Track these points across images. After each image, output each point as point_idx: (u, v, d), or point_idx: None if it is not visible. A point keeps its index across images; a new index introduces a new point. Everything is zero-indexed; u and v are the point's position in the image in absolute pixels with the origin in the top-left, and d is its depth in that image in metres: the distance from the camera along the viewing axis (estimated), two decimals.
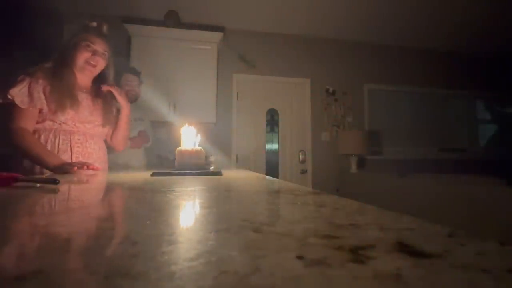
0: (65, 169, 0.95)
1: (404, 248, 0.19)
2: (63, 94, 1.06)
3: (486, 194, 1.51)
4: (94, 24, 1.17)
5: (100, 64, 1.17)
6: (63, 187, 0.58)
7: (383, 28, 2.94)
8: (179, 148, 1.14)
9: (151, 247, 0.20)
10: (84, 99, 1.15)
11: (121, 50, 2.54)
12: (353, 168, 2.88)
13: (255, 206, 0.39)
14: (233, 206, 0.40)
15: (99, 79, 1.23)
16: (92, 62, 1.13)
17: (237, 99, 2.91)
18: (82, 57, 1.12)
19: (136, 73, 1.83)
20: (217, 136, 2.75)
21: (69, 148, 1.10)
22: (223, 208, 0.37)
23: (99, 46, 1.15)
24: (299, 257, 0.18)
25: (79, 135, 1.13)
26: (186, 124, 1.19)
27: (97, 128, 1.20)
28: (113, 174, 1.02)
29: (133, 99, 1.78)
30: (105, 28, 1.20)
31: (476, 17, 2.72)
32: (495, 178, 1.85)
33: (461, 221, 1.56)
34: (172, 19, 2.54)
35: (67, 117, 1.08)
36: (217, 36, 2.58)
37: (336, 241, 0.21)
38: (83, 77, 1.17)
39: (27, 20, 2.37)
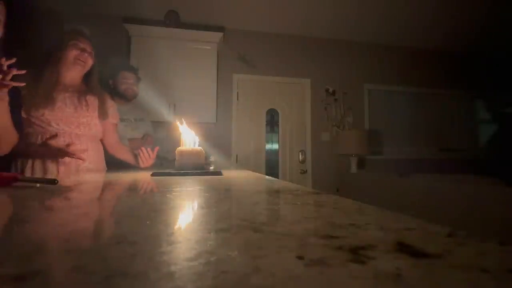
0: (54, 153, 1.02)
1: (404, 248, 0.19)
2: (37, 94, 1.08)
3: (486, 194, 1.51)
4: (78, 27, 1.24)
5: (89, 62, 1.22)
6: (62, 187, 0.58)
7: (383, 28, 2.94)
8: (179, 148, 1.14)
9: (151, 247, 0.20)
10: (68, 97, 1.16)
11: (121, 50, 2.54)
12: (353, 168, 2.88)
13: (255, 206, 0.39)
14: (233, 206, 0.40)
15: (86, 78, 1.26)
16: (81, 59, 1.18)
17: (237, 99, 2.91)
18: (72, 54, 1.16)
19: (133, 70, 1.80)
20: (217, 136, 2.74)
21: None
22: (223, 208, 0.37)
23: (86, 45, 1.21)
24: (299, 257, 0.18)
25: (64, 137, 1.13)
26: (180, 122, 1.19)
27: (84, 127, 1.19)
28: (112, 174, 1.02)
29: (131, 97, 1.75)
30: (87, 31, 1.26)
31: (475, 17, 2.72)
32: (495, 178, 1.85)
33: (461, 221, 1.56)
34: (172, 19, 2.54)
35: (47, 117, 1.09)
36: (217, 36, 2.58)
37: (336, 241, 0.21)
38: (73, 75, 1.20)
39: (27, 20, 2.37)
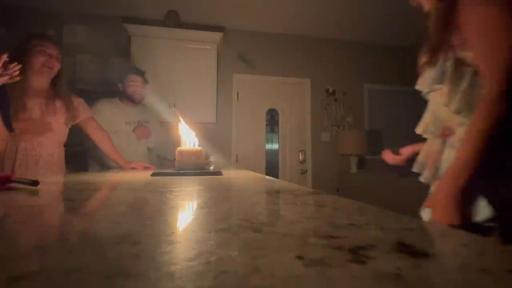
0: None
1: (404, 248, 0.19)
2: (12, 103, 1.07)
3: None
4: (43, 32, 1.26)
5: (56, 66, 1.22)
6: (62, 188, 0.58)
7: (384, 28, 2.94)
8: (179, 148, 1.14)
9: (151, 247, 0.20)
10: (37, 104, 1.16)
11: (121, 50, 2.54)
12: (353, 168, 2.88)
13: (255, 206, 0.39)
14: (233, 206, 0.40)
15: (53, 82, 1.25)
16: (49, 65, 1.18)
17: (237, 99, 2.91)
18: (39, 61, 1.16)
19: (140, 73, 1.80)
20: (217, 136, 2.74)
21: (13, 155, 1.11)
22: (223, 208, 0.37)
23: (53, 50, 1.20)
24: (299, 257, 0.18)
25: (25, 142, 1.13)
26: (181, 121, 1.19)
27: (48, 133, 1.19)
28: (113, 174, 1.02)
29: (138, 100, 1.76)
30: (52, 34, 1.26)
31: None
32: None
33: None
34: (172, 19, 2.54)
35: (13, 126, 1.08)
36: (217, 36, 2.58)
37: (336, 241, 0.21)
38: (41, 80, 1.20)
39: (27, 20, 2.37)
